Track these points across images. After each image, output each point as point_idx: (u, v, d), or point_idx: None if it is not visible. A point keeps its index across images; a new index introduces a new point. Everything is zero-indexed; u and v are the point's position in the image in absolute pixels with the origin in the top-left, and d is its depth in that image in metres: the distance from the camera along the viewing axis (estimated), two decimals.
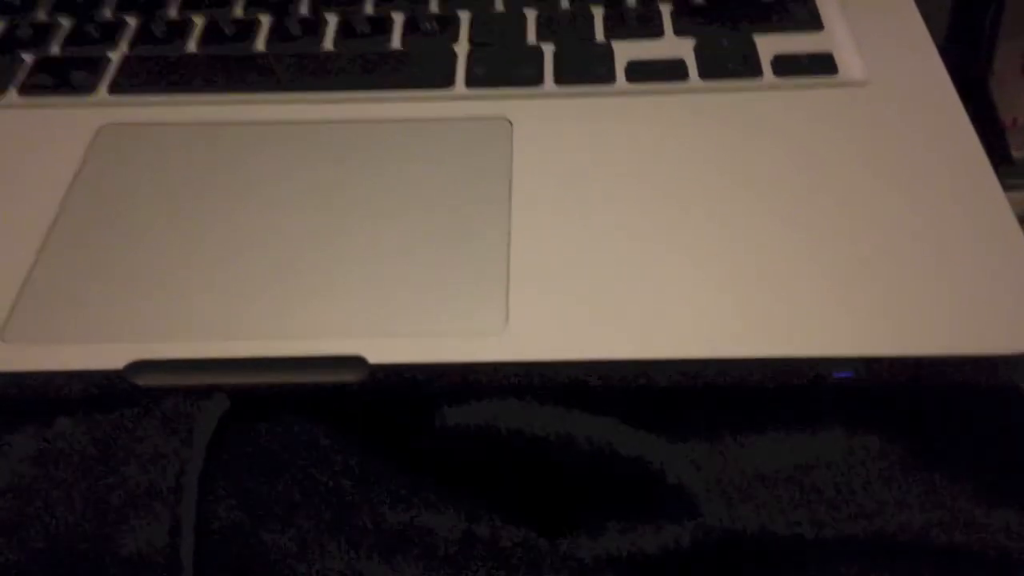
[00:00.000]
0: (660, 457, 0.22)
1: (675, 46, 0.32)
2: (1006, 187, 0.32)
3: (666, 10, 0.33)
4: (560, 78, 0.31)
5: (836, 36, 0.31)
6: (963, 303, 0.24)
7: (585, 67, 0.31)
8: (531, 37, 0.32)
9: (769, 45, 0.31)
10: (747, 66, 0.30)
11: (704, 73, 0.30)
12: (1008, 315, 0.23)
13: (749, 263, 0.25)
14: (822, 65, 0.30)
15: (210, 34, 0.33)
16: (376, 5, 0.34)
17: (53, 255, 0.26)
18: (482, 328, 0.24)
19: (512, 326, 0.24)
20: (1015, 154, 0.59)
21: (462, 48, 0.32)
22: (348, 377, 0.24)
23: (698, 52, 0.31)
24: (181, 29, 0.33)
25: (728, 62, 0.30)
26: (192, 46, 0.32)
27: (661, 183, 0.27)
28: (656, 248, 0.25)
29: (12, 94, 0.31)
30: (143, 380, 0.23)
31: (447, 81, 0.31)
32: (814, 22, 0.32)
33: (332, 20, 0.33)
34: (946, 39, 0.62)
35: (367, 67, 0.31)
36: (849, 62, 0.30)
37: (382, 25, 0.33)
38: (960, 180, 0.27)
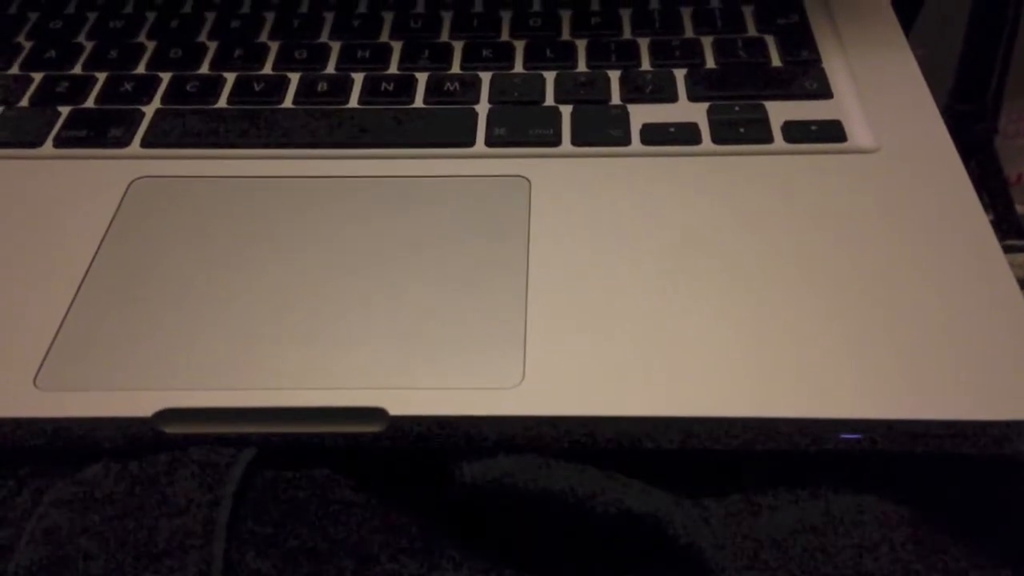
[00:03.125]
0: (673, 517, 0.22)
1: (689, 111, 0.33)
2: (1013, 249, 0.33)
3: (680, 75, 0.34)
4: (577, 139, 0.32)
5: (845, 104, 0.32)
6: (968, 369, 0.24)
7: (601, 129, 0.32)
8: (549, 98, 0.34)
9: (780, 112, 0.32)
10: (758, 132, 0.31)
11: (717, 138, 0.31)
12: (1011, 382, 0.24)
13: (759, 325, 0.26)
14: (832, 133, 0.31)
15: (240, 90, 0.34)
16: (400, 64, 0.35)
17: (86, 304, 0.27)
18: (499, 382, 0.25)
19: (528, 381, 0.25)
20: (1019, 208, 0.60)
21: (482, 108, 0.33)
22: (370, 428, 0.24)
23: (711, 117, 0.32)
24: (212, 85, 0.34)
25: (740, 128, 0.32)
26: (223, 101, 0.34)
27: (675, 244, 0.28)
28: (670, 307, 0.26)
29: (48, 146, 0.32)
30: (172, 428, 0.24)
31: (468, 140, 0.32)
32: (824, 91, 0.33)
33: (358, 78, 0.34)
34: (951, 97, 0.63)
35: (391, 125, 0.33)
36: (858, 130, 0.31)
37: (406, 84, 0.34)
38: (964, 249, 0.27)
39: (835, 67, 0.34)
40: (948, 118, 0.33)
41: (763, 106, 0.32)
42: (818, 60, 0.34)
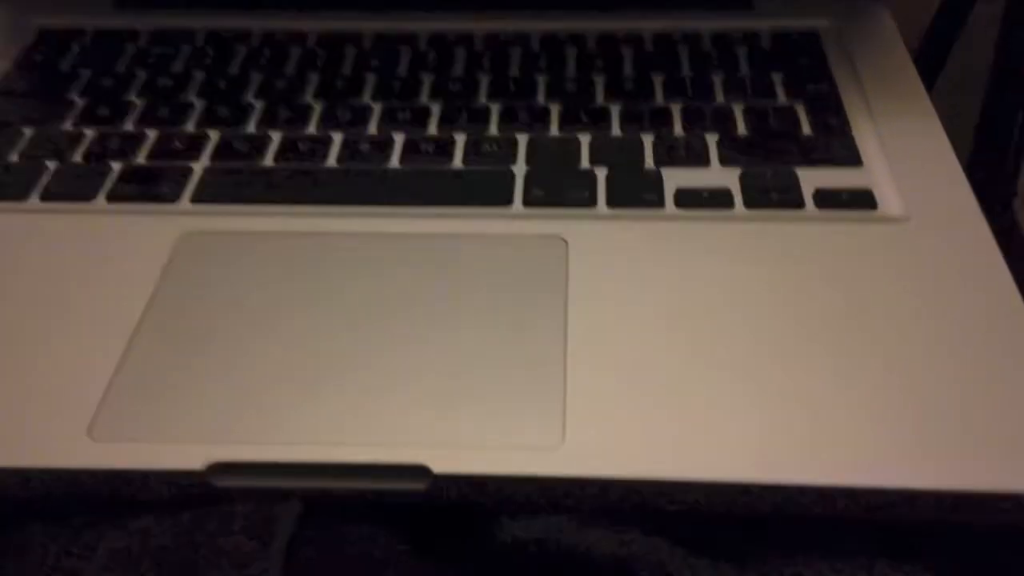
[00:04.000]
0: None
1: (721, 175, 0.34)
2: None
3: (712, 140, 0.35)
4: (612, 201, 0.33)
5: (875, 172, 0.33)
6: (998, 440, 0.25)
7: (636, 192, 0.33)
8: (584, 161, 0.34)
9: (811, 178, 0.33)
10: (790, 198, 0.32)
11: (749, 202, 0.32)
12: None
13: (791, 390, 0.26)
14: (862, 201, 0.32)
15: (286, 149, 0.35)
16: (439, 126, 0.36)
17: (138, 356, 0.28)
18: (540, 442, 0.25)
19: (569, 442, 0.25)
20: None
21: (520, 169, 0.34)
22: (413, 485, 0.25)
23: (743, 182, 0.33)
24: (259, 144, 0.35)
25: (772, 193, 0.32)
26: (269, 160, 0.35)
27: (709, 308, 0.29)
28: (704, 370, 0.27)
29: (101, 200, 0.33)
30: (222, 481, 0.25)
31: (506, 200, 0.33)
32: (853, 158, 0.34)
33: (399, 139, 0.35)
34: (971, 158, 0.64)
35: (431, 185, 0.34)
36: (888, 198, 0.32)
37: (445, 145, 0.35)
38: (993, 320, 0.28)
39: (864, 135, 0.35)
40: (968, 177, 0.33)
41: (794, 172, 0.33)
42: (847, 128, 0.35)
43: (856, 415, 0.26)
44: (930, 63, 0.59)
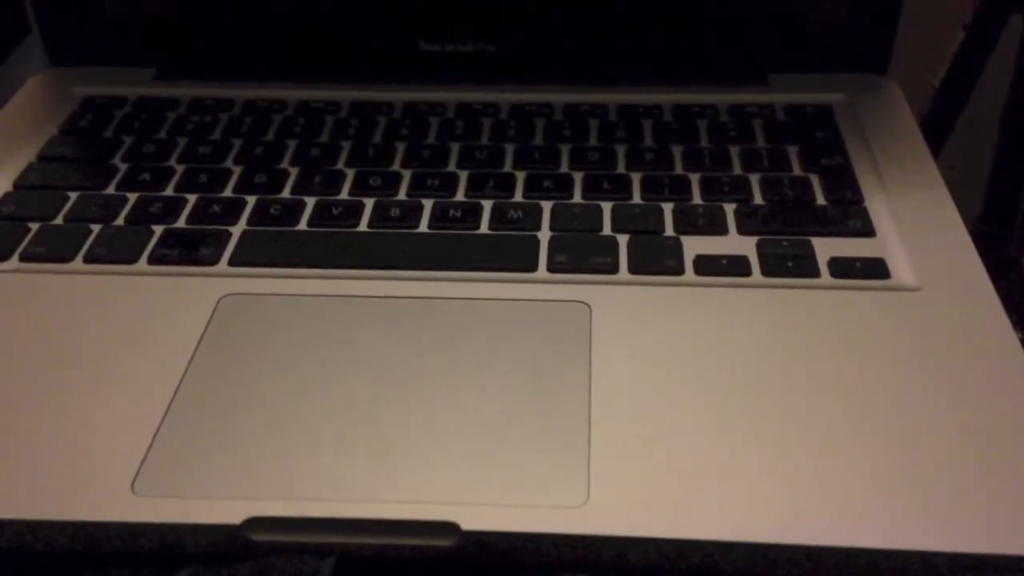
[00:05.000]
0: None
1: (739, 244, 0.35)
2: None
3: (729, 210, 0.36)
4: (634, 268, 0.34)
5: (887, 243, 0.35)
6: (1009, 503, 0.26)
7: (656, 259, 0.34)
8: (607, 228, 0.36)
9: (826, 248, 0.34)
10: (806, 267, 0.33)
11: (766, 271, 0.33)
12: None
13: (806, 455, 0.27)
14: (876, 270, 0.33)
15: (319, 214, 0.36)
16: (467, 192, 0.38)
17: (180, 414, 0.29)
18: (566, 501, 0.26)
19: (593, 501, 0.26)
20: None
21: (544, 235, 0.35)
22: (442, 542, 0.26)
23: (760, 251, 0.34)
24: (294, 208, 0.37)
25: (788, 262, 0.34)
26: (303, 224, 0.36)
27: (728, 373, 0.30)
28: (724, 434, 0.28)
29: (143, 262, 0.34)
30: (259, 536, 0.26)
31: (531, 266, 0.34)
32: (867, 229, 0.35)
33: (427, 205, 0.37)
34: (980, 219, 0.65)
35: (458, 250, 0.35)
36: (901, 268, 0.33)
37: (472, 212, 0.36)
38: (1004, 385, 0.29)
39: (876, 206, 0.36)
40: (976, 240, 0.35)
41: (810, 242, 0.34)
42: (860, 199, 0.36)
43: (871, 478, 0.26)
44: (937, 129, 0.61)
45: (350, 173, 0.39)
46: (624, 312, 0.32)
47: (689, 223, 0.36)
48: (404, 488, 0.27)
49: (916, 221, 0.35)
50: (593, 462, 0.27)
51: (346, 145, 0.40)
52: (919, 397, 0.29)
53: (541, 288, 0.33)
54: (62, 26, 0.45)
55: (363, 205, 0.37)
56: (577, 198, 0.37)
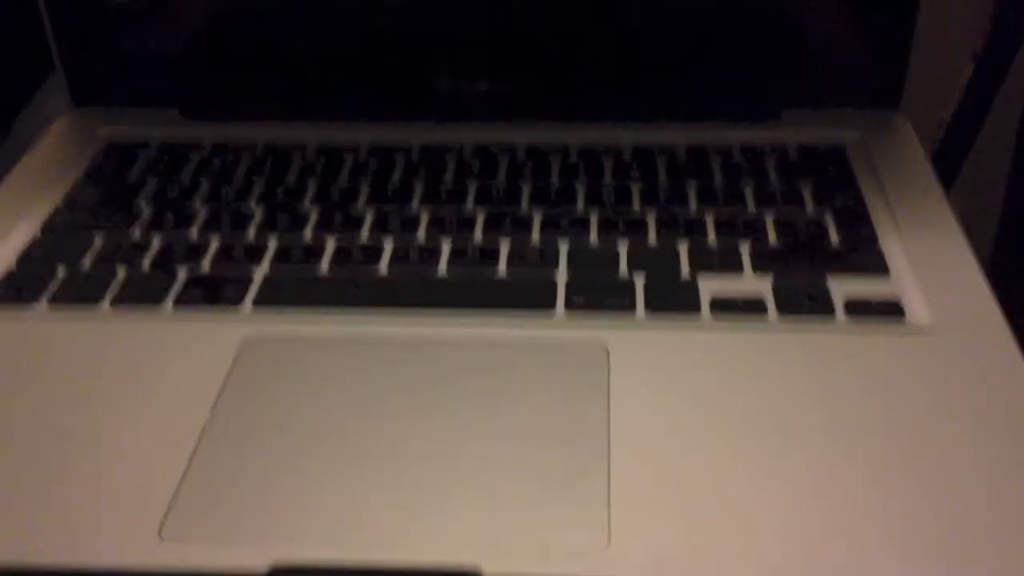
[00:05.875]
0: None
1: (754, 283, 0.35)
2: None
3: (745, 249, 0.37)
4: (651, 308, 0.34)
5: (902, 282, 0.35)
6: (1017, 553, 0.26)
7: (673, 299, 0.35)
8: (623, 268, 0.36)
9: (840, 287, 0.35)
10: (821, 307, 0.34)
11: (782, 310, 0.34)
12: None
13: (823, 501, 0.27)
14: (891, 310, 0.33)
15: (340, 255, 0.37)
16: (484, 234, 0.38)
17: (205, 459, 0.29)
18: (587, 545, 0.27)
19: (614, 545, 0.27)
20: None
21: (561, 276, 0.36)
22: None
23: (776, 290, 0.35)
24: (315, 250, 0.37)
25: (803, 301, 0.34)
26: (324, 266, 0.37)
27: (745, 413, 0.30)
28: (740, 476, 0.28)
29: (168, 305, 0.35)
30: None
31: (548, 306, 0.35)
32: (881, 268, 0.35)
33: (446, 246, 0.37)
34: (993, 255, 0.65)
35: (477, 291, 0.35)
36: (916, 309, 0.34)
37: (490, 253, 0.37)
38: (1020, 427, 0.29)
39: (890, 245, 0.37)
40: (990, 274, 0.35)
41: (825, 281, 0.35)
42: (874, 239, 0.37)
43: (888, 525, 0.27)
44: (948, 164, 0.61)
45: (370, 214, 0.39)
46: (642, 353, 0.32)
47: (705, 263, 0.36)
48: (427, 534, 0.27)
49: (930, 259, 0.36)
50: (614, 505, 0.27)
51: (365, 186, 0.41)
52: (937, 441, 0.29)
53: (559, 329, 0.34)
54: (86, 68, 0.45)
55: (382, 247, 0.38)
56: (593, 238, 0.38)
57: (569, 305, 0.35)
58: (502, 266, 0.37)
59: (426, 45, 0.44)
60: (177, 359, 0.33)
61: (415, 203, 0.40)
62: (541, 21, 0.43)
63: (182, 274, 0.36)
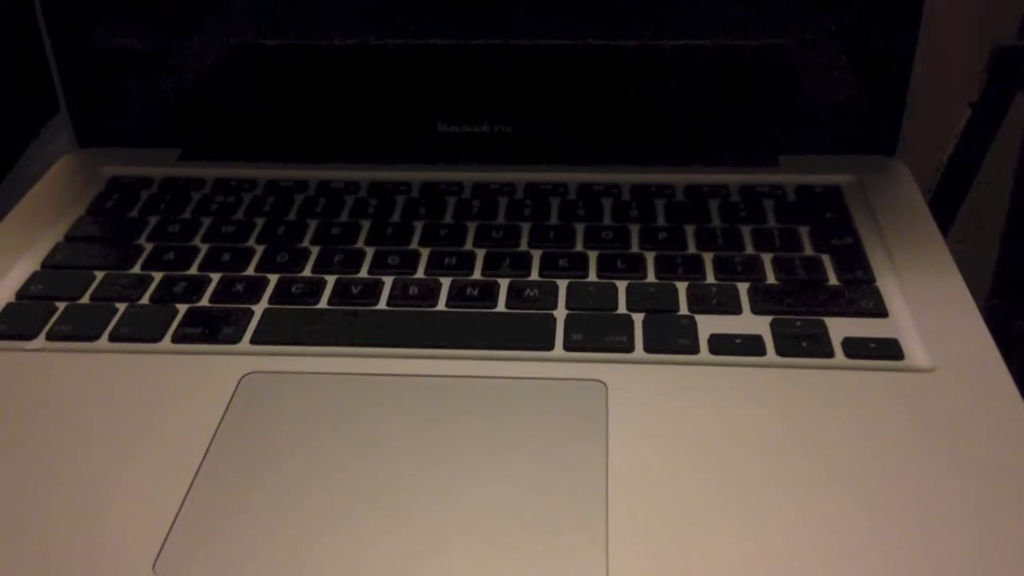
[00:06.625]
0: None
1: (752, 323, 0.35)
2: None
3: (743, 289, 0.37)
4: (649, 346, 0.34)
5: (900, 323, 0.35)
6: None
7: (671, 338, 0.35)
8: (622, 307, 0.36)
9: (839, 328, 0.35)
10: (820, 347, 0.34)
11: (780, 351, 0.34)
12: None
13: (819, 540, 0.27)
14: (889, 351, 0.33)
15: (339, 292, 0.37)
16: (483, 271, 0.38)
17: (201, 494, 0.29)
18: None
19: None
20: None
21: (560, 314, 0.36)
22: None
23: (774, 330, 0.35)
24: (314, 287, 0.37)
25: (802, 342, 0.34)
26: (324, 302, 0.37)
27: (742, 452, 0.30)
28: (736, 515, 0.28)
29: (167, 341, 0.35)
30: None
31: (547, 344, 0.35)
32: (879, 309, 0.35)
33: (445, 283, 0.38)
34: (991, 295, 0.65)
35: (476, 328, 0.35)
36: (914, 349, 0.34)
37: (489, 290, 0.37)
38: (1020, 469, 0.29)
39: (888, 286, 0.37)
40: (988, 316, 0.35)
41: (823, 322, 0.35)
42: (872, 280, 0.37)
43: (886, 568, 0.26)
44: (945, 207, 0.61)
45: (369, 252, 0.39)
46: (640, 391, 0.32)
47: (703, 302, 0.36)
48: (423, 571, 0.27)
49: (928, 301, 0.36)
50: (611, 544, 0.27)
51: (365, 224, 0.41)
52: (935, 484, 0.29)
53: (558, 366, 0.34)
54: (90, 109, 0.46)
55: (382, 283, 0.38)
56: (592, 277, 0.38)
57: (568, 343, 0.35)
58: (501, 304, 0.37)
59: (427, 87, 0.44)
60: (175, 395, 0.33)
61: (415, 242, 0.40)
62: (543, 66, 0.43)
63: (182, 310, 0.36)
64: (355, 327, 0.36)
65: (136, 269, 0.39)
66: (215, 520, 0.28)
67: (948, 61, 0.52)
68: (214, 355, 0.34)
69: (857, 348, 0.34)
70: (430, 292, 0.37)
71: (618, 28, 0.42)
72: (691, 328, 0.35)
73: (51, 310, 0.37)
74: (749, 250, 0.39)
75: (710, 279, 0.38)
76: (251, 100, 0.45)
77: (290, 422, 0.31)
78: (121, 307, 0.37)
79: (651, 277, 0.38)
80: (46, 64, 0.45)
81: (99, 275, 0.38)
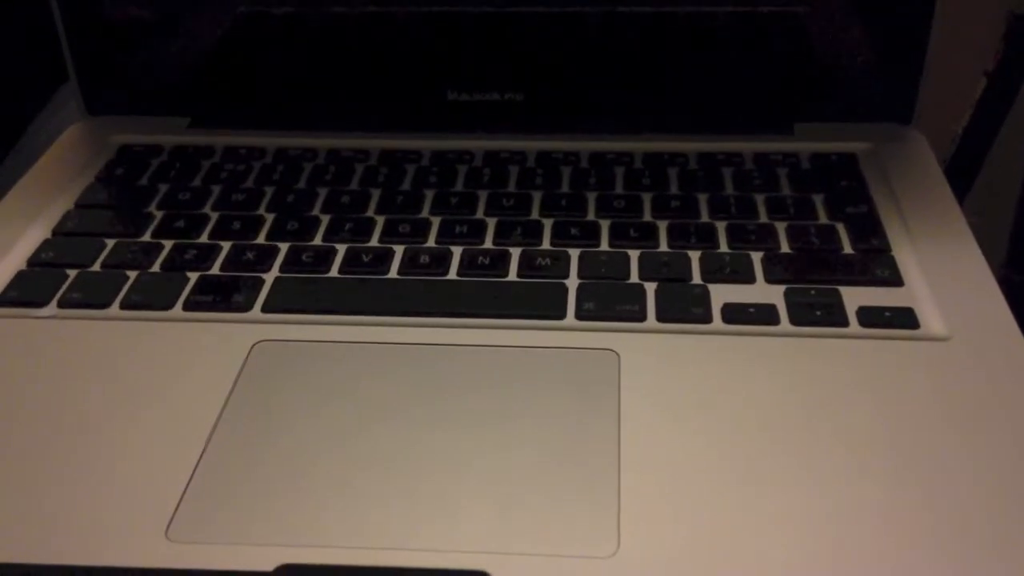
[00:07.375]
0: None
1: (766, 292, 0.35)
2: None
3: (756, 258, 0.36)
4: (662, 316, 0.34)
5: (915, 292, 0.35)
6: None
7: (684, 307, 0.34)
8: (634, 276, 0.36)
9: (853, 297, 0.34)
10: (834, 316, 0.33)
11: (794, 320, 0.33)
12: None
13: (832, 511, 0.27)
14: (905, 320, 0.33)
15: (350, 260, 0.37)
16: (495, 240, 0.38)
17: (213, 460, 0.29)
18: (595, 551, 0.26)
19: (623, 551, 0.26)
20: None
21: (572, 283, 0.36)
22: None
23: (788, 299, 0.34)
24: (325, 255, 0.37)
25: (816, 311, 0.34)
26: (334, 270, 0.37)
27: (755, 422, 0.30)
28: (750, 486, 0.28)
29: (178, 308, 0.35)
30: None
31: (559, 313, 0.34)
32: (895, 278, 0.35)
33: (456, 252, 0.37)
34: (1006, 267, 0.65)
35: (486, 297, 0.35)
36: (930, 318, 0.33)
37: (500, 259, 0.37)
38: None
39: (904, 254, 0.36)
40: (1003, 286, 0.35)
41: (838, 291, 0.35)
42: (887, 248, 0.37)
43: (899, 535, 0.26)
44: (961, 177, 0.61)
45: (380, 220, 0.39)
46: (652, 360, 0.32)
47: (716, 271, 0.36)
48: (435, 536, 0.27)
49: (944, 270, 0.35)
50: (623, 511, 0.27)
51: (375, 193, 0.41)
52: (950, 451, 0.29)
53: (569, 335, 0.34)
54: (99, 78, 0.46)
55: (393, 252, 0.37)
56: (604, 246, 0.38)
57: (580, 312, 0.34)
58: (513, 273, 0.36)
59: (438, 54, 0.44)
60: (186, 363, 0.33)
61: (425, 210, 0.40)
62: (555, 32, 0.43)
63: (192, 278, 0.36)
64: (366, 296, 0.35)
65: (147, 237, 0.39)
66: (227, 486, 0.28)
67: (964, 30, 0.52)
68: (225, 323, 0.34)
69: (872, 317, 0.33)
70: (441, 260, 0.37)
71: None
72: (704, 297, 0.35)
73: (62, 277, 0.36)
74: (763, 218, 0.39)
75: (723, 248, 0.37)
76: (260, 68, 0.45)
77: (301, 390, 0.31)
78: (132, 275, 0.37)
79: (664, 246, 0.38)
80: (55, 32, 0.44)
81: (110, 243, 0.38)
